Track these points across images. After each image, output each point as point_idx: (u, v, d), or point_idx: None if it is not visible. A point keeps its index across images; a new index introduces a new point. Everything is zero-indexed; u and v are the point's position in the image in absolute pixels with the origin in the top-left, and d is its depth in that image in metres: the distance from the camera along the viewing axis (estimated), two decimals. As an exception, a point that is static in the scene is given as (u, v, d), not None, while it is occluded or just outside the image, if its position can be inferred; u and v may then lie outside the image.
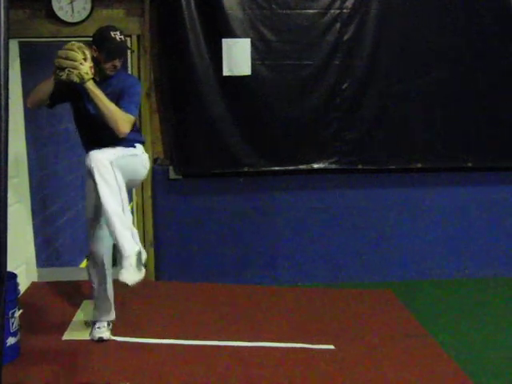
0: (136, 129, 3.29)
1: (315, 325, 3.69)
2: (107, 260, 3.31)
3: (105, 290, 3.33)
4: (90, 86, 2.90)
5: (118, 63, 3.11)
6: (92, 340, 3.35)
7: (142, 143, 3.36)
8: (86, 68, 2.87)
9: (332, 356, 3.28)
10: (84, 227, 6.89)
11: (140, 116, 4.35)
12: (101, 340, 3.33)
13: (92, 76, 2.91)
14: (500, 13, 4.42)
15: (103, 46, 3.07)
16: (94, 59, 3.02)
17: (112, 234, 2.95)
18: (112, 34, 3.10)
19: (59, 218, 6.04)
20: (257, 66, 4.32)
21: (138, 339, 3.40)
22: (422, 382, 3.04)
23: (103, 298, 3.36)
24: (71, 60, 2.84)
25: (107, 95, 3.00)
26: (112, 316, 3.44)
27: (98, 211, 3.18)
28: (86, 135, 3.27)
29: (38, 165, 5.23)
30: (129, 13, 4.26)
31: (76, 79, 2.86)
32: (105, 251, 3.30)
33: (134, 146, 3.25)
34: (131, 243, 2.94)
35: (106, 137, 3.07)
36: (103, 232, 3.23)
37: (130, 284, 2.86)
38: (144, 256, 3.00)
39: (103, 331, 3.36)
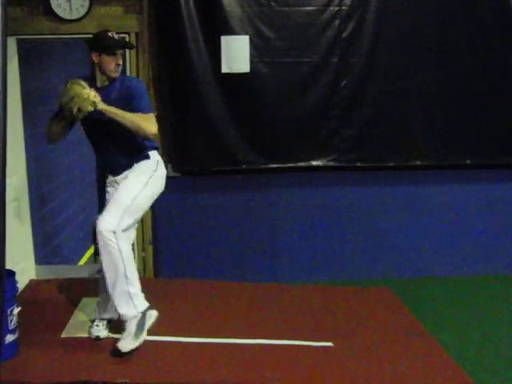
0: None
1: (314, 322, 3.69)
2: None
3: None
4: (103, 107, 2.93)
5: (120, 60, 3.10)
6: (90, 338, 3.35)
7: (156, 148, 3.31)
8: (92, 94, 2.91)
9: (331, 353, 3.28)
10: (82, 225, 6.89)
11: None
12: (98, 339, 3.33)
13: (99, 99, 2.93)
14: (500, 11, 4.43)
15: (102, 44, 3.07)
16: (97, 66, 3.07)
17: (110, 299, 3.08)
18: (108, 33, 3.12)
19: (57, 216, 6.03)
20: (255, 64, 4.32)
21: (137, 337, 3.39)
22: (420, 380, 3.04)
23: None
24: (77, 97, 2.90)
25: (114, 100, 3.02)
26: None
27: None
28: (99, 145, 3.25)
29: (36, 163, 5.22)
30: (127, 10, 4.25)
31: (90, 108, 2.91)
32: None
33: (148, 155, 3.22)
34: (130, 309, 3.04)
35: (118, 144, 3.12)
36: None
37: (123, 351, 3.00)
38: (151, 319, 3.09)
39: (101, 329, 3.35)
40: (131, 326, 3.07)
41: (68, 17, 4.13)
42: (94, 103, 2.91)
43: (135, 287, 3.10)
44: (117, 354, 3.08)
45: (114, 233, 3.01)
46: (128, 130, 3.00)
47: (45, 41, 4.80)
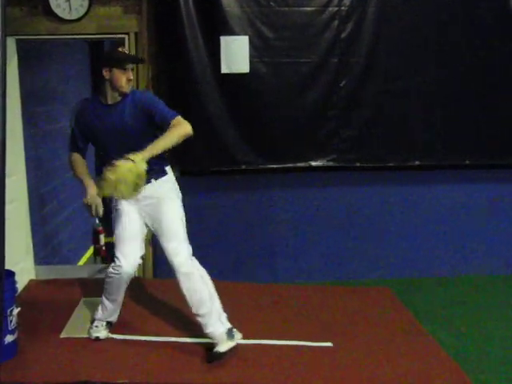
0: None
1: (313, 322, 3.69)
2: None
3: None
4: (148, 154, 2.88)
5: (131, 76, 3.10)
6: (89, 338, 3.35)
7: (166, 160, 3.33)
8: (141, 168, 2.81)
9: (330, 353, 3.28)
10: (81, 225, 6.89)
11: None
12: (97, 339, 3.33)
13: (144, 160, 2.84)
14: (499, 11, 4.43)
15: (113, 58, 3.09)
16: (108, 83, 3.06)
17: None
18: (118, 49, 3.15)
19: (57, 216, 6.03)
20: (255, 64, 4.32)
21: (136, 337, 3.39)
22: (419, 379, 3.04)
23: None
24: (122, 183, 2.81)
25: (128, 115, 3.05)
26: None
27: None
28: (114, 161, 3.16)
29: (35, 163, 5.22)
30: (126, 10, 4.24)
31: (138, 191, 2.87)
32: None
33: (165, 170, 3.26)
34: (219, 326, 3.17)
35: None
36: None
37: (222, 351, 3.10)
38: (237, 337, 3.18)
39: (100, 330, 3.35)
40: (221, 338, 3.15)
41: (67, 17, 4.13)
42: (145, 175, 2.81)
43: (219, 304, 3.24)
44: (216, 356, 3.13)
45: (191, 259, 3.18)
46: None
47: (44, 41, 4.80)
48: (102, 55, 3.22)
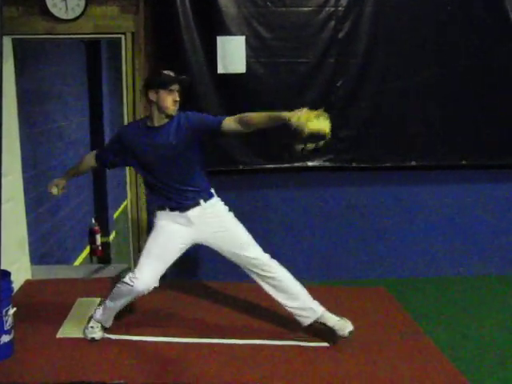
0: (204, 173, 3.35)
1: (310, 322, 3.69)
2: None
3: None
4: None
5: (177, 97, 3.14)
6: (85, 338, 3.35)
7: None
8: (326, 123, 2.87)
9: (327, 353, 3.28)
10: (78, 225, 6.88)
11: (134, 114, 4.34)
12: (93, 340, 3.32)
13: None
14: (496, 12, 4.43)
15: (158, 81, 3.14)
16: (154, 105, 3.12)
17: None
18: (163, 71, 3.20)
19: (53, 216, 6.03)
20: (252, 64, 4.32)
21: (134, 337, 3.39)
22: (415, 380, 3.04)
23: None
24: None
25: (175, 137, 3.10)
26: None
27: None
28: (161, 182, 3.24)
29: (31, 162, 5.22)
30: (123, 10, 4.24)
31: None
32: None
33: (212, 193, 3.34)
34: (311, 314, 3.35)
35: (184, 181, 3.19)
36: None
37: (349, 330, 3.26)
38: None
39: (96, 331, 3.35)
40: (330, 320, 3.32)
41: (64, 16, 4.12)
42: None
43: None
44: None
45: (270, 264, 3.34)
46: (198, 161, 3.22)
47: (41, 40, 4.80)
48: (147, 79, 3.31)
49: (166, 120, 3.15)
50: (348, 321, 3.32)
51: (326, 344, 3.37)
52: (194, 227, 3.27)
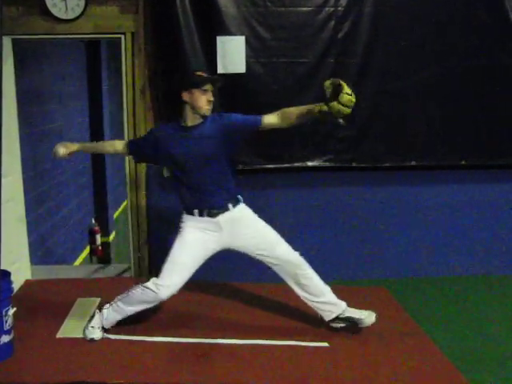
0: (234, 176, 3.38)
1: (310, 322, 3.69)
2: None
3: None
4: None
5: (211, 97, 3.16)
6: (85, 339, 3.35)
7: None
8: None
9: (326, 354, 3.28)
10: (77, 225, 6.88)
11: (134, 114, 4.35)
12: (92, 340, 3.32)
13: None
14: (496, 12, 4.44)
15: (191, 81, 3.17)
16: (188, 106, 3.15)
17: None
18: (195, 72, 3.26)
19: (53, 216, 6.02)
20: (251, 64, 4.32)
21: (133, 337, 3.39)
22: (415, 379, 3.04)
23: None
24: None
25: (209, 137, 3.14)
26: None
27: None
28: (195, 183, 3.26)
29: (31, 162, 5.21)
30: (123, 10, 4.24)
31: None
32: None
33: (240, 199, 3.37)
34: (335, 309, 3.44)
35: (217, 183, 3.24)
36: None
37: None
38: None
39: (96, 332, 3.34)
40: (355, 312, 3.42)
41: (64, 16, 4.13)
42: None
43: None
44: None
45: (301, 261, 3.42)
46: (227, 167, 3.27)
47: (40, 40, 4.79)
48: (180, 79, 3.33)
49: (201, 120, 3.19)
50: (371, 311, 3.44)
51: (326, 344, 3.37)
52: (224, 233, 3.30)
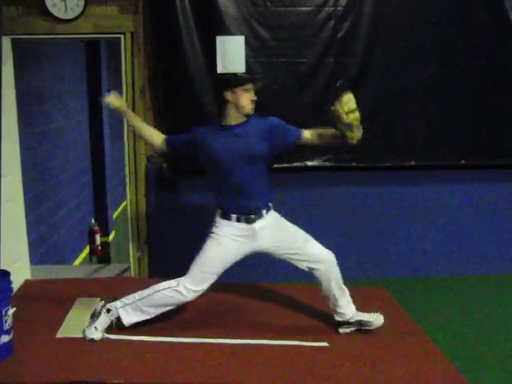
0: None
1: (309, 322, 3.70)
2: None
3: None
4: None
5: (254, 96, 3.19)
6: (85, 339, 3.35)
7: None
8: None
9: (326, 353, 3.28)
10: (77, 225, 6.88)
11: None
12: (92, 341, 3.32)
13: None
14: (496, 12, 4.43)
15: (233, 80, 3.21)
16: (231, 105, 3.17)
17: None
18: (236, 73, 3.38)
19: (53, 216, 6.03)
20: (251, 64, 4.32)
21: (133, 337, 3.38)
22: (415, 379, 3.04)
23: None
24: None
25: (252, 136, 3.16)
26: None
27: None
28: (233, 187, 3.27)
29: (31, 162, 5.22)
30: (122, 10, 4.24)
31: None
32: None
33: (271, 206, 3.39)
34: (351, 307, 3.49)
35: (255, 187, 3.25)
36: None
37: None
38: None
39: (97, 332, 3.33)
40: (365, 315, 3.47)
41: (63, 16, 4.13)
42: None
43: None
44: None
45: (331, 258, 3.46)
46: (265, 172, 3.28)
47: (40, 40, 4.80)
48: (223, 79, 3.42)
49: (244, 119, 3.21)
50: (379, 314, 3.49)
51: (326, 344, 3.37)
52: (258, 239, 3.31)
